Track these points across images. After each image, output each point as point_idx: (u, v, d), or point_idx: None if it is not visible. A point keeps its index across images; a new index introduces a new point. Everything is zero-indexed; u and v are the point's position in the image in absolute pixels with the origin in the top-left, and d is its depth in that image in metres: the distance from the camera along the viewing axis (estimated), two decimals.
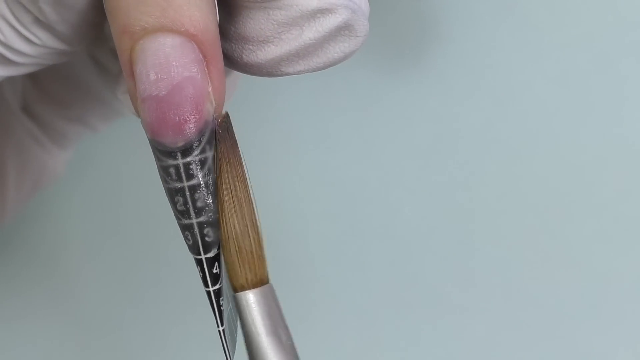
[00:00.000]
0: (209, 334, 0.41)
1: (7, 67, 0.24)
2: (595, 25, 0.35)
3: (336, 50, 0.23)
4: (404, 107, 0.38)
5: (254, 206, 0.22)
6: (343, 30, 0.23)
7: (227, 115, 0.22)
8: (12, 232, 0.42)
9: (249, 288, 0.22)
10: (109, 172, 0.41)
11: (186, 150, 0.20)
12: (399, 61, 0.38)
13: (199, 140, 0.20)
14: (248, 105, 0.39)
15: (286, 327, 0.22)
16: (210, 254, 0.21)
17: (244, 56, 0.23)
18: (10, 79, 0.31)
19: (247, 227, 0.22)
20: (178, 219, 0.21)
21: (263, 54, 0.23)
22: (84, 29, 0.23)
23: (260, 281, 0.22)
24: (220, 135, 0.22)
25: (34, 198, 0.34)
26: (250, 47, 0.23)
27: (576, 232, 0.37)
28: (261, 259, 0.22)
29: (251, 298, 0.22)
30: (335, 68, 0.38)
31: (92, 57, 0.31)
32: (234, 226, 0.22)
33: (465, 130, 0.37)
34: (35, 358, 0.42)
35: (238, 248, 0.22)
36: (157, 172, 0.21)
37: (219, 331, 0.22)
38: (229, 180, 0.22)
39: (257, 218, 0.22)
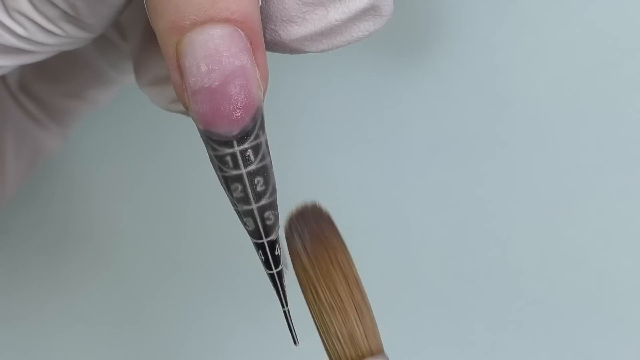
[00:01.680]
0: (209, 333, 0.41)
1: (24, 56, 0.23)
2: (596, 25, 0.35)
3: (360, 29, 0.23)
4: (405, 106, 0.38)
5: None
6: (368, 10, 0.22)
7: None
8: (12, 231, 0.42)
9: None
10: (111, 168, 0.41)
11: (242, 138, 0.20)
12: (400, 60, 0.37)
13: (254, 127, 0.21)
14: None
15: None
16: (272, 237, 0.22)
17: (266, 35, 0.23)
18: None
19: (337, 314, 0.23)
20: (237, 206, 0.21)
21: (286, 34, 0.23)
22: (112, 19, 0.22)
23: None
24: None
25: (31, 176, 0.34)
26: (273, 27, 0.23)
27: (577, 232, 0.37)
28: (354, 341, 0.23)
29: None
30: (336, 67, 0.38)
31: None
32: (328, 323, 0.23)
33: (467, 129, 0.37)
34: (35, 357, 0.42)
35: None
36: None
37: (285, 312, 0.23)
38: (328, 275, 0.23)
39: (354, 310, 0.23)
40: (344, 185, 0.39)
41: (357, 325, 0.23)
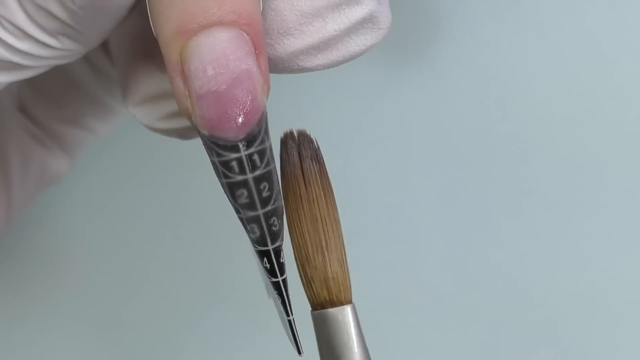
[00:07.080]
0: (208, 336, 0.40)
1: (19, 72, 0.23)
2: (595, 25, 0.36)
3: (357, 43, 0.23)
4: (405, 106, 0.38)
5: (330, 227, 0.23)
6: (367, 22, 0.22)
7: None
8: (12, 231, 0.41)
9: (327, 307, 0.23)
10: (111, 173, 0.40)
11: (249, 142, 0.20)
12: (400, 60, 0.38)
13: (259, 131, 0.20)
14: None
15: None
16: (278, 243, 0.22)
17: None
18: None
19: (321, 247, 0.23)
20: (241, 212, 0.21)
21: (282, 48, 0.22)
22: (107, 33, 0.22)
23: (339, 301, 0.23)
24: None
25: (36, 198, 0.33)
26: (269, 41, 0.22)
27: (578, 232, 0.37)
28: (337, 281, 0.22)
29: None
30: (336, 67, 0.38)
31: (85, 57, 0.30)
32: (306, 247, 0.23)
33: (468, 129, 0.38)
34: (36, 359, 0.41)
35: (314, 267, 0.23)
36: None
37: (289, 320, 0.23)
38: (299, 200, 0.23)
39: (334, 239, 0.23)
40: (344, 185, 0.38)
41: (342, 268, 0.22)
